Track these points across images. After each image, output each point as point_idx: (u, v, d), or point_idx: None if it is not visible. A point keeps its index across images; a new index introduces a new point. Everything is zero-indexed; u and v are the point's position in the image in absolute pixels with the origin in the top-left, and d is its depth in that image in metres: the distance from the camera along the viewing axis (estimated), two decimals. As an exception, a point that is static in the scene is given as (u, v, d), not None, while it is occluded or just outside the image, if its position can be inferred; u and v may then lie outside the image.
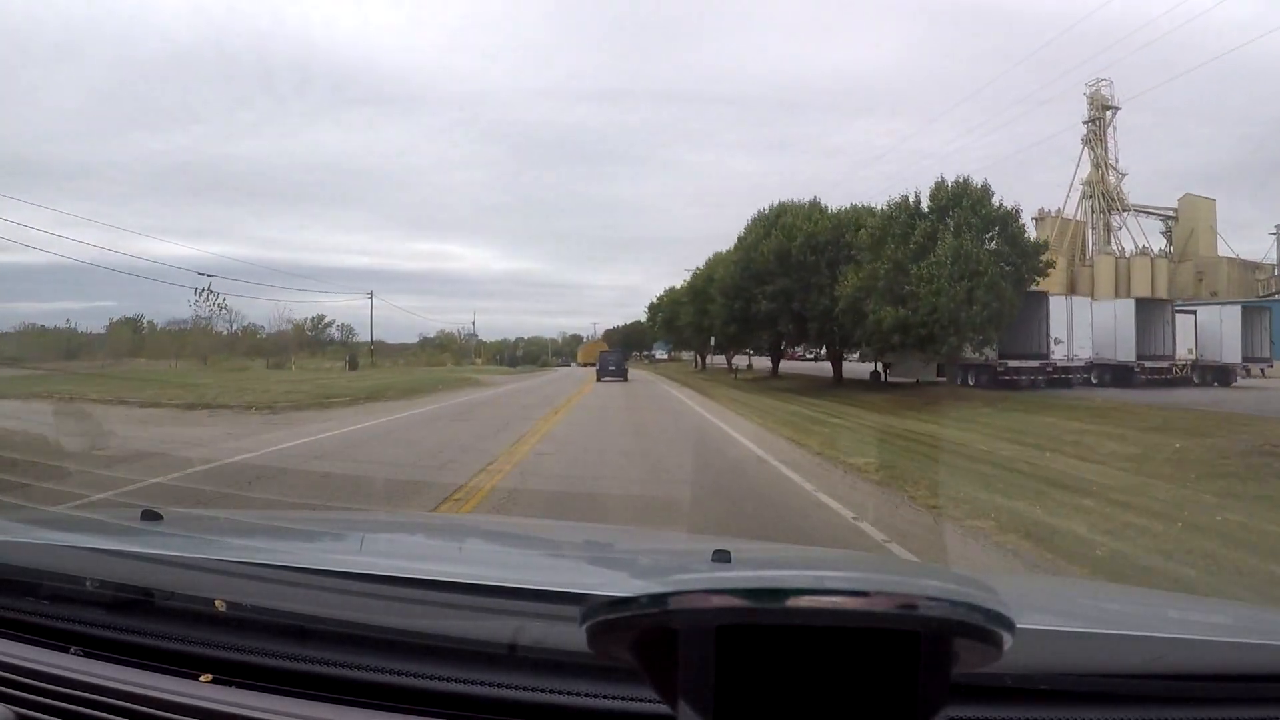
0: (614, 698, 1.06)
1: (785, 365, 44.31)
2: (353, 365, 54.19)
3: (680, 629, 0.71)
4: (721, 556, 1.44)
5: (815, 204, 31.40)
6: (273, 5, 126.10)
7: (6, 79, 65.41)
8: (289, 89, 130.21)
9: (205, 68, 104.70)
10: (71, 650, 1.26)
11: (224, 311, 52.54)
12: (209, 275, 42.26)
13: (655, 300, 71.26)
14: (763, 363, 49.54)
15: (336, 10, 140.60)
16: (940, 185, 23.51)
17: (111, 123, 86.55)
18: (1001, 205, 22.87)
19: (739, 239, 33.79)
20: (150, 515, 1.79)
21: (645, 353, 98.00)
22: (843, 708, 0.71)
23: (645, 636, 0.73)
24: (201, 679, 1.17)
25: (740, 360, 52.21)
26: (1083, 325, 25.42)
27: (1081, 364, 25.50)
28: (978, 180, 23.53)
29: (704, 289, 42.85)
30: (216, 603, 1.25)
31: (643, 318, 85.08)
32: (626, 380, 38.87)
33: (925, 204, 23.57)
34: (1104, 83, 50.73)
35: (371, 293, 64.72)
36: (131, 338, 55.43)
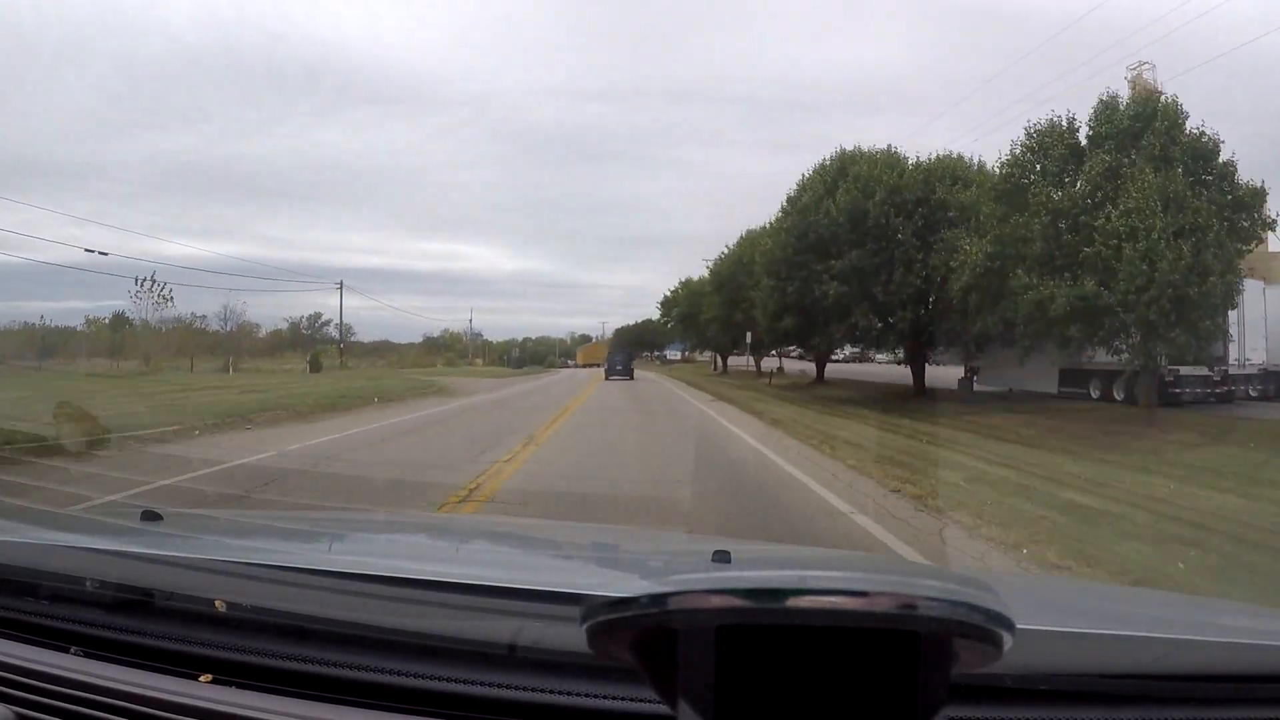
0: (614, 698, 1.06)
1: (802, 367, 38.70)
2: (315, 367, 47.68)
3: (680, 629, 0.71)
4: (721, 557, 1.44)
5: (892, 152, 22.52)
6: (281, 4, 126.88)
7: (13, 79, 65.51)
8: (297, 88, 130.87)
9: (213, 67, 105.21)
10: (71, 650, 1.26)
11: (169, 304, 48.50)
12: (101, 253, 31.64)
13: (670, 294, 61.38)
14: (792, 365, 43.20)
15: (345, 9, 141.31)
16: (1108, 104, 15.23)
17: (119, 122, 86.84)
18: (1201, 133, 14.55)
19: (789, 200, 24.48)
20: (150, 515, 1.80)
21: (656, 353, 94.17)
22: (843, 708, 0.71)
23: (645, 636, 0.73)
24: (201, 679, 1.17)
25: (764, 362, 44.04)
26: (1255, 319, 18.57)
27: (1254, 371, 19.11)
28: (1167, 93, 15.32)
29: (733, 276, 36.00)
30: (216, 603, 1.25)
31: (655, 315, 77.75)
32: (632, 378, 40.45)
33: (1084, 132, 15.64)
34: (1146, 66, 46.67)
35: (341, 283, 56.12)
36: (111, 336, 51.40)
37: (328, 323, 74.23)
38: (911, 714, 0.70)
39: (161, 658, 1.22)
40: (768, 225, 28.21)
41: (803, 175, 24.56)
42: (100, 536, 1.79)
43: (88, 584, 1.32)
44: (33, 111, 68.32)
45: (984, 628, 0.68)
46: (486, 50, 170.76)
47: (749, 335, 34.83)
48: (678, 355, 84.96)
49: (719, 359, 56.92)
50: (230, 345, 53.46)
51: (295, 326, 70.09)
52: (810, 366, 37.12)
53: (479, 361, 79.48)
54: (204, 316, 55.70)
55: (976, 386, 23.85)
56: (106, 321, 53.08)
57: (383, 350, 74.71)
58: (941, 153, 22.87)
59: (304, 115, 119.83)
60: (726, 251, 40.63)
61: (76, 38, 76.78)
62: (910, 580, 0.70)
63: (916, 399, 22.09)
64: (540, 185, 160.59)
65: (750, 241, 34.67)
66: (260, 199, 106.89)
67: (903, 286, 20.37)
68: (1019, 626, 0.70)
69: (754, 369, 43.84)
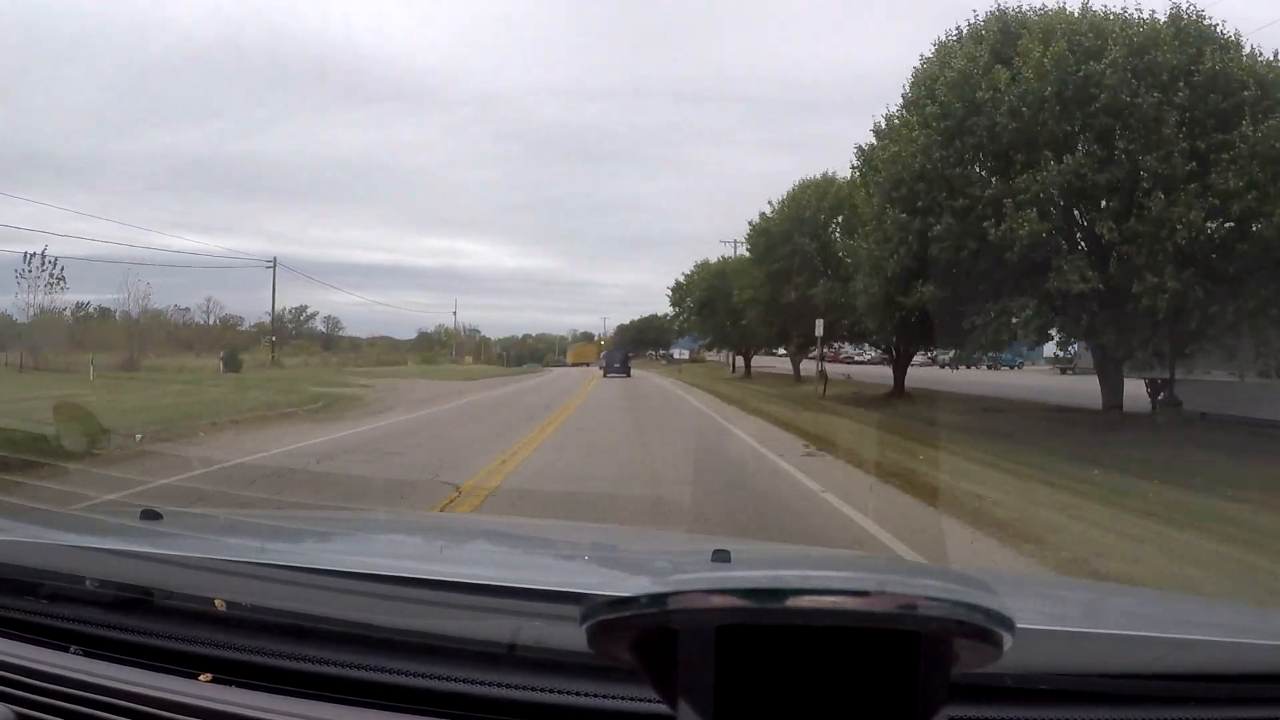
0: (614, 698, 1.06)
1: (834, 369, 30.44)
2: (230, 366, 36.96)
3: (680, 629, 0.71)
4: (721, 556, 1.45)
5: (1090, 12, 12.81)
6: (289, 2, 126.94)
7: (22, 74, 65.41)
8: (304, 85, 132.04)
9: (220, 64, 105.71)
10: (71, 650, 1.26)
11: (61, 284, 38.57)
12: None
13: (682, 279, 49.31)
14: (792, 366, 34.15)
15: (352, 7, 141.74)
16: None
17: (126, 118, 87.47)
18: None
19: (918, 80, 14.64)
20: (150, 515, 1.80)
21: (661, 352, 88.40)
22: (843, 708, 0.71)
23: (645, 636, 0.73)
24: (201, 678, 1.17)
25: (765, 362, 38.10)
26: None
27: None
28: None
29: (787, 235, 26.58)
30: (216, 602, 1.25)
31: (660, 310, 70.97)
32: (629, 375, 39.36)
33: None
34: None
35: (275, 260, 48.20)
36: (71, 327, 43.44)
37: (313, 316, 71.39)
38: (911, 714, 0.70)
39: (162, 657, 1.22)
40: (896, 113, 15.84)
41: (935, 41, 14.65)
42: (100, 536, 1.79)
43: (88, 583, 1.32)
44: (40, 107, 68.18)
45: (984, 628, 0.68)
46: (490, 50, 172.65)
47: (819, 323, 23.43)
48: (685, 354, 76.11)
49: (734, 358, 46.98)
50: (137, 337, 43.49)
51: (279, 319, 66.43)
52: (849, 370, 29.66)
53: (469, 359, 74.49)
54: (187, 309, 53.44)
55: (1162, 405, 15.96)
56: (67, 313, 44.86)
57: (364, 346, 70.97)
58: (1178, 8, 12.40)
59: (311, 113, 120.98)
60: (775, 208, 28.72)
61: (84, 34, 77.11)
62: (910, 580, 0.71)
63: (1113, 431, 13.24)
64: (543, 185, 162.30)
65: (812, 191, 26.13)
66: (266, 195, 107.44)
67: (1160, 228, 10.54)
68: (1019, 626, 0.70)
69: (777, 371, 35.25)
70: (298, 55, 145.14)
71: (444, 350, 76.98)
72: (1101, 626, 1.42)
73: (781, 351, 40.83)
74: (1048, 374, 36.45)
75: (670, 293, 50.74)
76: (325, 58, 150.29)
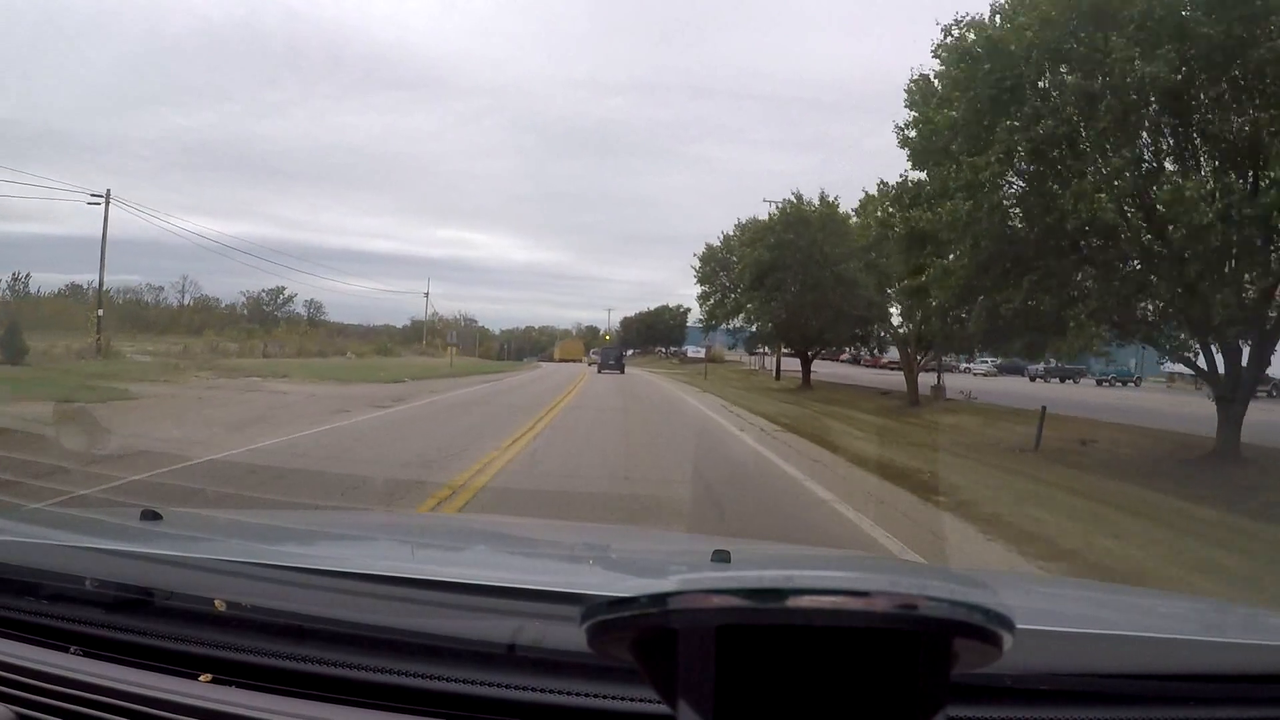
0: (614, 698, 1.06)
1: (868, 375, 23.57)
2: (10, 351, 23.86)
3: (680, 629, 0.71)
4: (721, 556, 1.45)
5: None
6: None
7: (37, 52, 65.42)
8: (318, 70, 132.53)
9: (235, 46, 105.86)
10: (71, 650, 1.25)
11: None
12: None
13: (720, 241, 36.46)
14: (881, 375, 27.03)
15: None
16: None
17: (139, 98, 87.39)
18: None
19: None
20: (150, 515, 1.80)
21: (672, 349, 79.94)
22: (843, 708, 0.71)
23: (645, 636, 0.73)
24: (201, 679, 1.17)
25: (790, 364, 29.56)
26: None
27: None
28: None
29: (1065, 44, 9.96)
30: (216, 603, 1.25)
31: (671, 303, 64.93)
32: (623, 372, 38.83)
33: None
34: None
35: (108, 192, 31.58)
36: (15, 308, 39.61)
37: (291, 298, 67.36)
38: (911, 714, 0.70)
39: (161, 657, 1.22)
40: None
41: None
42: (100, 536, 1.79)
43: (88, 583, 1.32)
44: (55, 85, 67.72)
45: (984, 628, 0.68)
46: (509, 40, 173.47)
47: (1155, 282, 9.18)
48: (699, 351, 61.31)
49: (777, 360, 36.35)
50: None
51: (256, 302, 64.56)
52: (968, 382, 20.31)
53: (453, 350, 62.99)
54: (160, 288, 51.38)
55: None
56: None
57: (286, 331, 61.88)
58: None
59: (325, 98, 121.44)
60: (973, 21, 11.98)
61: (100, 13, 77.01)
62: (911, 580, 0.71)
63: None
64: (558, 177, 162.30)
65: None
66: (277, 179, 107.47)
67: None
68: (1019, 626, 0.71)
69: (824, 378, 27.77)
70: (316, 40, 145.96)
71: (430, 340, 67.63)
72: (1101, 627, 1.42)
73: (846, 354, 30.98)
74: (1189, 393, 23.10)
75: (697, 264, 37.18)
76: (340, 44, 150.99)
